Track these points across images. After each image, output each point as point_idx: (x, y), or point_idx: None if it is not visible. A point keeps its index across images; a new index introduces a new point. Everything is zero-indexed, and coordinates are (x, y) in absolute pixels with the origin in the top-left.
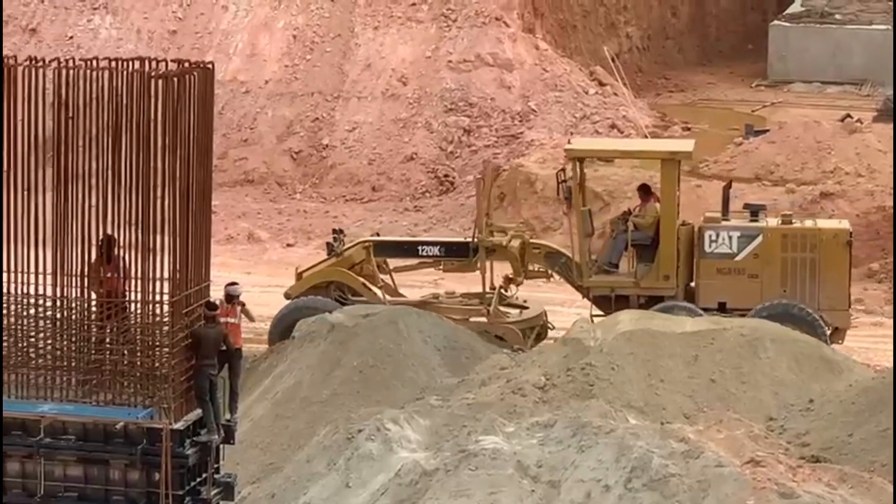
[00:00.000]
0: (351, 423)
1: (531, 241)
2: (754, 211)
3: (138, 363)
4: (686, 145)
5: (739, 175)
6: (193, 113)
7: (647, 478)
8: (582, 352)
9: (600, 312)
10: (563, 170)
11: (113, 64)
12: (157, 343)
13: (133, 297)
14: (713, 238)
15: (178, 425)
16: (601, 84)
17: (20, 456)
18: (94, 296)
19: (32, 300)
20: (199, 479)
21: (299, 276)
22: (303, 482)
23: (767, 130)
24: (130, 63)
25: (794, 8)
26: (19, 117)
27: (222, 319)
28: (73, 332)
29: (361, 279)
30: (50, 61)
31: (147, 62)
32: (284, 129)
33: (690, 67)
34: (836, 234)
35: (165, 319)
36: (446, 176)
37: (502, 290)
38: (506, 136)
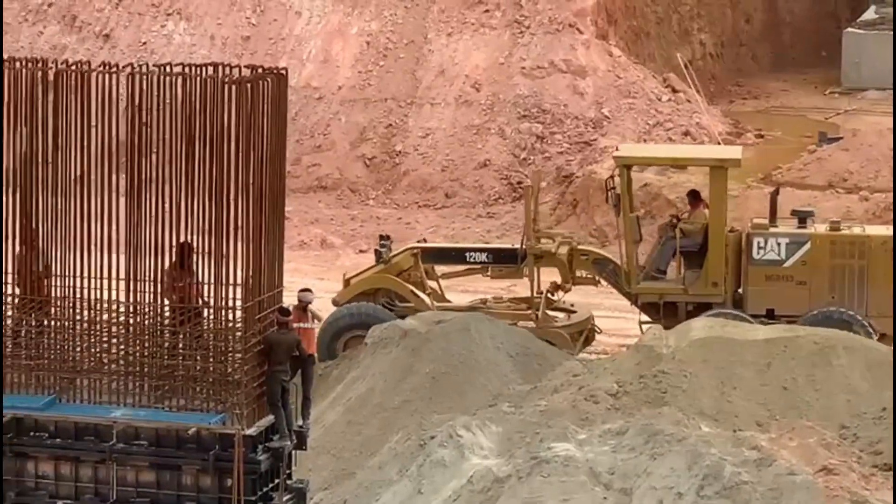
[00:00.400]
0: (423, 430)
1: (579, 247)
2: (802, 217)
3: (211, 369)
4: (734, 152)
5: (812, 182)
6: (267, 119)
7: (719, 486)
8: (654, 359)
9: (648, 319)
10: (612, 177)
11: (186, 70)
12: (230, 349)
13: (206, 303)
14: (761, 245)
15: (251, 431)
16: (674, 91)
17: (93, 461)
18: (167, 301)
19: (105, 305)
20: (271, 486)
21: (347, 282)
22: (375, 489)
23: (841, 138)
24: (204, 69)
25: (868, 15)
26: (93, 123)
27: (295, 325)
28: (146, 337)
29: (409, 286)
30: (123, 67)
31: (220, 68)
32: (358, 136)
33: (764, 74)
34: (885, 241)
35: (238, 325)
36: (519, 183)
37: (549, 295)
38: (579, 143)
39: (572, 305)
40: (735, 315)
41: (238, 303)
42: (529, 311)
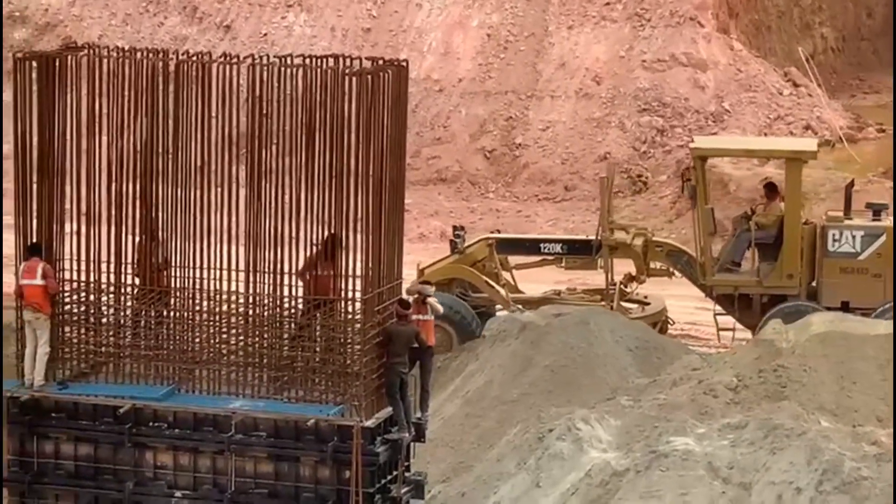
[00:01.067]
0: (542, 423)
1: (654, 239)
2: (877, 210)
3: (330, 360)
4: (810, 144)
5: None
6: (387, 111)
7: (838, 481)
8: (774, 353)
9: (723, 311)
10: (689, 168)
11: (307, 61)
12: (349, 340)
13: (329, 296)
14: (836, 237)
15: (369, 423)
16: (795, 85)
17: (212, 452)
18: (304, 292)
19: (225, 296)
20: (389, 477)
21: (421, 272)
22: (493, 481)
23: None
24: (325, 60)
25: None
26: (214, 114)
27: (414, 317)
28: (266, 328)
29: (483, 276)
30: (244, 58)
31: (341, 60)
32: (478, 128)
33: (885, 69)
34: None
35: (357, 317)
36: (639, 176)
37: (622, 287)
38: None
39: (646, 297)
40: (812, 308)
41: (357, 294)
42: (603, 303)
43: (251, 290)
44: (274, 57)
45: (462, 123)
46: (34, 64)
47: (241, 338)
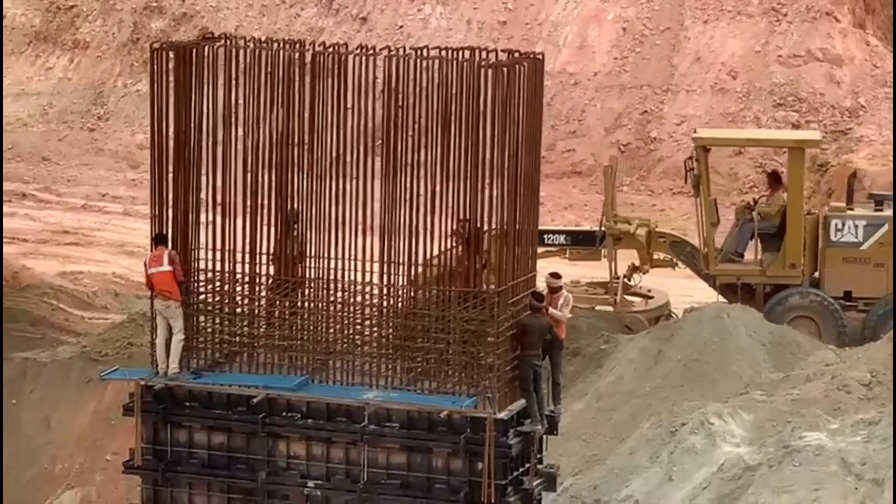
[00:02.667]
0: (674, 417)
1: (657, 229)
2: (879, 200)
3: (463, 352)
4: (813, 134)
5: None
6: (523, 103)
7: None
8: None
9: (726, 300)
10: (691, 158)
11: (443, 53)
12: (483, 332)
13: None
14: (839, 227)
15: (502, 415)
16: None
17: (345, 442)
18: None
19: (360, 287)
20: (521, 470)
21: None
22: (625, 474)
23: None
24: (460, 53)
25: None
26: (349, 105)
27: (551, 311)
28: (400, 319)
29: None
30: (381, 50)
31: (477, 52)
32: (612, 122)
33: None
34: None
35: (491, 309)
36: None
37: (626, 280)
38: (834, 132)
39: (649, 290)
40: (816, 294)
41: (491, 287)
42: (607, 296)
43: (385, 281)
44: (410, 49)
45: (597, 117)
46: (171, 54)
47: (376, 328)
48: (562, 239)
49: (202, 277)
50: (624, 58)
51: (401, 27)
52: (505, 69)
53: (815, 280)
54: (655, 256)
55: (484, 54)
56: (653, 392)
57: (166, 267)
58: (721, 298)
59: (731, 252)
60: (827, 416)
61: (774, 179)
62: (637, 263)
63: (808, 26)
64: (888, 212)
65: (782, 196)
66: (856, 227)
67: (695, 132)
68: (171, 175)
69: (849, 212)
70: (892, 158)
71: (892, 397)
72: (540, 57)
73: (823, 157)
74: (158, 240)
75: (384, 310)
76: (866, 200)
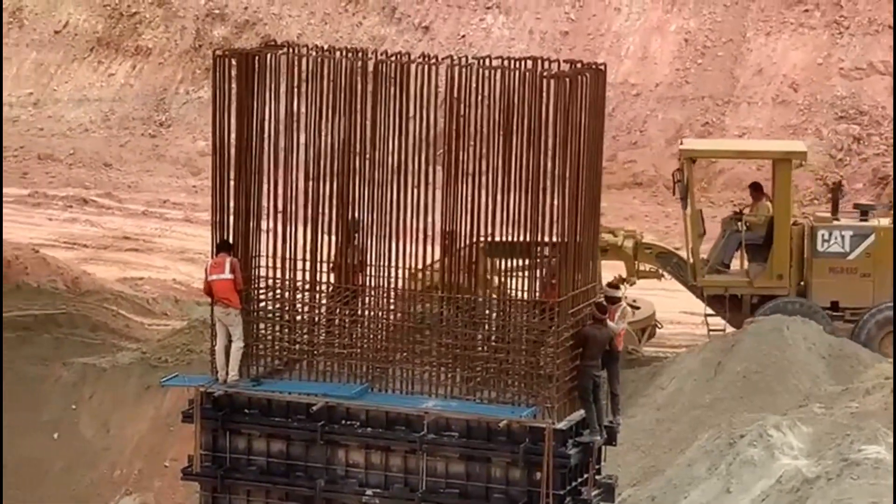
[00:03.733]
0: (733, 429)
1: (643, 241)
2: (864, 210)
3: (523, 362)
4: (799, 145)
5: None
6: (584, 114)
7: None
8: None
9: (713, 312)
10: (679, 170)
11: (505, 63)
12: (543, 342)
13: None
14: (826, 237)
15: (561, 425)
16: None
17: (403, 451)
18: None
19: (420, 296)
20: (579, 480)
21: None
22: (683, 486)
23: None
24: (523, 62)
25: None
26: (411, 114)
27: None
28: (460, 329)
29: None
30: (443, 59)
31: (539, 62)
32: (674, 133)
33: None
34: None
35: (551, 319)
36: (835, 183)
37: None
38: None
39: (635, 301)
40: (802, 304)
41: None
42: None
43: (445, 291)
44: (472, 58)
45: (658, 128)
46: (233, 62)
47: (435, 338)
48: (547, 251)
49: (262, 285)
50: (686, 69)
51: (463, 36)
52: (567, 79)
53: (801, 290)
54: (642, 267)
55: (546, 64)
56: (712, 404)
57: (227, 275)
58: (709, 310)
59: (718, 263)
60: (886, 428)
61: (756, 189)
62: (623, 275)
63: (870, 39)
64: (874, 222)
65: (766, 205)
66: (842, 237)
67: (681, 143)
68: (232, 182)
69: (835, 222)
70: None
71: None
72: (602, 67)
73: (884, 170)
74: (221, 247)
75: (444, 319)
76: (851, 210)
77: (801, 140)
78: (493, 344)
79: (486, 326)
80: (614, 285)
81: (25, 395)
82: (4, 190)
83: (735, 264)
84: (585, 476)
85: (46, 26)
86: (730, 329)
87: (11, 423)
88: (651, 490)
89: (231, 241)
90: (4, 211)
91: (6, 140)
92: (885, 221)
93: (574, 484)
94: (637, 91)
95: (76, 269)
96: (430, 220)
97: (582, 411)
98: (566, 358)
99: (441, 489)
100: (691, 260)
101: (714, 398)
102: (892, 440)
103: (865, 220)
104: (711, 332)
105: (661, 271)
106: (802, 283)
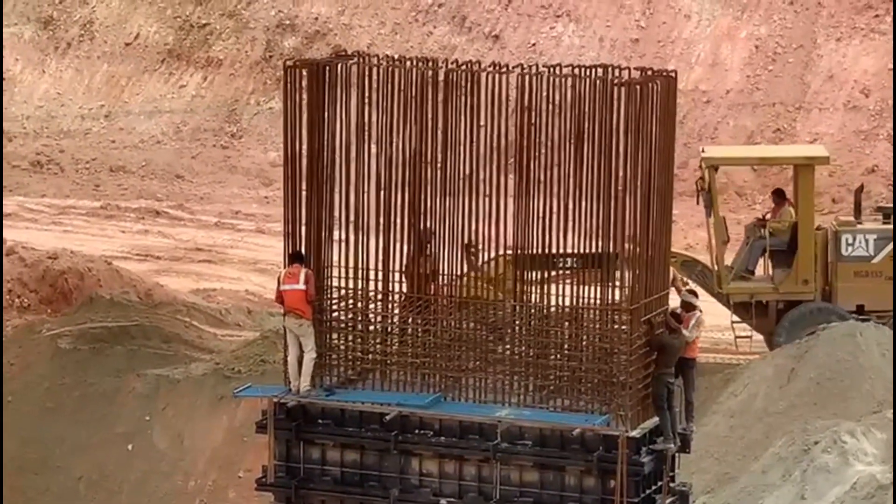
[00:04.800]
0: (807, 435)
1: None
2: (887, 213)
3: (596, 370)
4: (821, 150)
5: None
6: (656, 121)
7: None
8: None
9: (738, 319)
10: (702, 178)
11: (576, 71)
12: (616, 350)
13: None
14: (850, 241)
15: (635, 433)
16: None
17: (477, 460)
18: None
19: (492, 306)
20: (654, 488)
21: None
22: (758, 493)
23: None
24: (593, 70)
25: None
26: (482, 123)
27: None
28: (533, 337)
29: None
30: (513, 67)
31: (610, 70)
32: (746, 139)
33: None
34: None
35: (624, 327)
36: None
37: None
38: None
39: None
40: (831, 310)
41: (625, 304)
42: None
43: (518, 300)
44: (543, 66)
45: (730, 135)
46: (304, 72)
47: (508, 346)
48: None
49: (335, 295)
50: (756, 75)
51: (533, 45)
52: (638, 87)
53: (826, 295)
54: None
55: (616, 72)
56: (786, 410)
57: (301, 286)
58: (734, 317)
59: (743, 270)
60: None
61: (779, 196)
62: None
63: None
64: None
65: (790, 211)
66: (866, 240)
67: (702, 151)
68: (304, 193)
69: (859, 226)
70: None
71: None
72: (673, 74)
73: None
74: (295, 257)
75: (517, 327)
76: (874, 213)
77: (872, 144)
78: (566, 352)
79: (559, 334)
80: (694, 293)
81: (100, 407)
82: (78, 202)
83: (759, 271)
84: (659, 484)
85: (118, 38)
86: (756, 336)
87: (87, 435)
88: (725, 497)
89: (303, 251)
90: (77, 224)
91: (79, 153)
92: None
93: (648, 492)
94: (708, 98)
95: (149, 281)
96: (501, 228)
97: (655, 419)
98: (639, 365)
99: (515, 498)
100: (716, 267)
101: (787, 405)
102: None
103: (889, 223)
104: (738, 339)
105: (685, 279)
106: (828, 287)
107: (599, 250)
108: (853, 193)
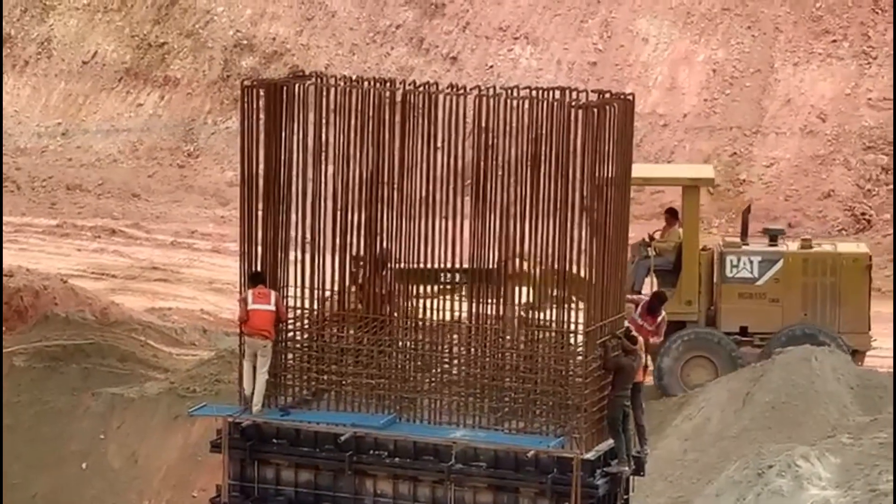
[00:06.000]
0: (761, 459)
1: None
2: (773, 235)
3: (551, 392)
4: (707, 171)
5: None
6: (613, 144)
7: None
8: None
9: None
10: None
11: (533, 93)
12: (571, 372)
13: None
14: (734, 263)
15: (589, 455)
16: None
17: (431, 481)
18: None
19: (447, 327)
20: None
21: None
22: None
23: None
24: (551, 93)
25: None
26: (439, 144)
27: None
28: (488, 359)
29: None
30: (471, 89)
31: (567, 92)
32: (702, 163)
33: None
34: (856, 259)
35: (580, 349)
36: (863, 214)
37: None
38: None
39: None
40: (710, 333)
41: (580, 327)
42: None
43: (473, 321)
44: (500, 88)
45: (686, 158)
46: (261, 92)
47: (463, 368)
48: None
49: (291, 315)
50: (714, 99)
51: (491, 67)
52: (595, 110)
53: (711, 316)
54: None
55: (574, 94)
56: (740, 434)
57: (272, 307)
58: None
59: (629, 289)
60: None
61: (671, 215)
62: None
63: None
64: (782, 247)
65: (678, 231)
66: (751, 262)
67: None
68: (260, 212)
69: (744, 247)
70: None
71: None
72: (630, 98)
73: None
74: (259, 278)
75: (472, 349)
76: (761, 235)
77: (829, 169)
78: (522, 374)
79: (514, 356)
80: (663, 296)
81: (55, 425)
82: (34, 220)
83: (647, 290)
84: None
85: (75, 57)
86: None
87: (40, 454)
88: None
89: (259, 271)
90: (33, 241)
91: (35, 171)
92: (794, 246)
93: None
94: (665, 121)
95: (104, 300)
96: (458, 250)
97: (610, 441)
98: (594, 388)
99: None
100: None
101: (742, 428)
102: None
103: (774, 245)
104: None
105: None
106: (712, 308)
107: (492, 265)
108: (741, 214)
